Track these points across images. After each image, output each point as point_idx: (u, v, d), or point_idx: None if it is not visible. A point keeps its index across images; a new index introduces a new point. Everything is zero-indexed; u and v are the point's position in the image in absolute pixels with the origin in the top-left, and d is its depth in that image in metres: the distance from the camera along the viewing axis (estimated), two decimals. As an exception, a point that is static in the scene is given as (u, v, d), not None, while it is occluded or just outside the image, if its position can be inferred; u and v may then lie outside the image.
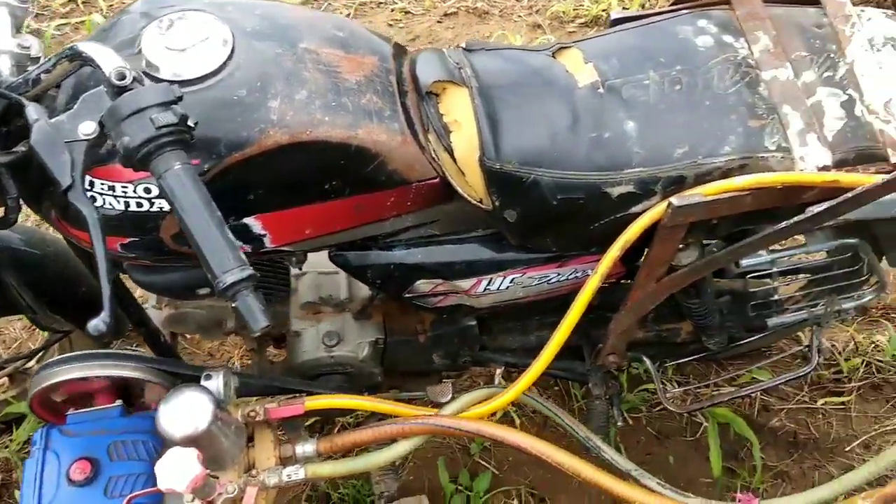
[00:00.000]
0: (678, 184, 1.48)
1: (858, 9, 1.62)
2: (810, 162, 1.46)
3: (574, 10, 3.54)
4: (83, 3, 3.61)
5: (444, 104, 1.51)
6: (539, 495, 2.32)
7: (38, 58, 1.42)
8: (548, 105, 1.51)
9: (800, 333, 2.50)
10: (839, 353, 2.59)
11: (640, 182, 1.47)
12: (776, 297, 2.00)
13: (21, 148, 1.25)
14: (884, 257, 1.97)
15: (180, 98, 1.14)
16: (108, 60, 1.17)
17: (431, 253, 1.61)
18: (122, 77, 1.13)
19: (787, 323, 2.03)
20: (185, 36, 1.34)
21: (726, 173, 1.47)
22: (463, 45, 1.61)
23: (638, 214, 1.50)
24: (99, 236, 1.14)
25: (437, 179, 1.49)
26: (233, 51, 1.35)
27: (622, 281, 1.79)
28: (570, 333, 1.62)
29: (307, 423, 2.31)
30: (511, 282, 1.67)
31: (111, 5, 3.60)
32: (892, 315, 2.71)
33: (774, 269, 1.87)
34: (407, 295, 1.66)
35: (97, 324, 1.10)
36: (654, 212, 1.48)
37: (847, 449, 2.44)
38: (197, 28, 1.36)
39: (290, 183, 1.40)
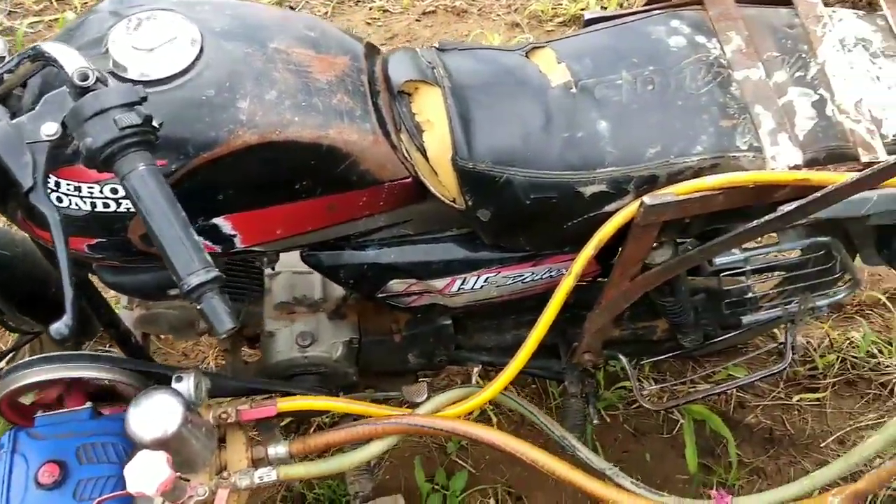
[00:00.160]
0: (651, 183, 1.48)
1: (830, 9, 1.63)
2: (781, 161, 1.47)
3: (552, 8, 3.54)
4: (57, 0, 3.58)
5: (416, 104, 1.51)
6: (516, 493, 2.32)
7: (3, 57, 1.40)
8: (521, 105, 1.51)
9: (775, 330, 2.51)
10: (814, 350, 2.60)
11: (612, 181, 1.47)
12: (750, 295, 2.01)
13: None
14: (857, 255, 1.97)
15: (144, 98, 1.13)
16: (71, 60, 1.16)
17: (405, 253, 1.61)
18: (85, 77, 1.12)
19: (761, 320, 2.04)
20: (153, 35, 1.33)
21: (698, 172, 1.47)
22: (436, 44, 1.61)
23: (611, 213, 1.50)
24: (61, 238, 1.13)
25: (410, 179, 1.48)
26: (201, 50, 1.34)
27: (599, 279, 1.79)
28: (546, 332, 1.62)
29: (283, 424, 2.30)
30: (485, 281, 1.67)
31: (85, 2, 3.57)
32: (867, 311, 2.73)
33: (748, 268, 1.88)
34: (380, 295, 1.65)
35: (59, 327, 1.09)
36: (627, 211, 1.48)
37: (822, 445, 2.45)
38: (165, 28, 1.35)
39: (261, 183, 1.39)
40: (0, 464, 1.47)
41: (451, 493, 2.28)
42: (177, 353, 2.54)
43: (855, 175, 1.39)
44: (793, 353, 2.04)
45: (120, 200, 1.31)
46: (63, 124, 1.13)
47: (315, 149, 1.37)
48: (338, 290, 1.86)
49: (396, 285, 1.63)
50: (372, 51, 1.56)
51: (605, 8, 3.45)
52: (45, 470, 1.46)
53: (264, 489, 2.22)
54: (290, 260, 1.68)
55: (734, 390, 2.51)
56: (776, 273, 2.17)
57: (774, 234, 2.07)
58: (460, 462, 2.36)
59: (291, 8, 3.53)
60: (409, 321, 1.86)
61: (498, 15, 3.55)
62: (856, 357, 2.59)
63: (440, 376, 2.45)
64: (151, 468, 1.27)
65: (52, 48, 1.21)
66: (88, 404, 1.55)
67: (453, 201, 1.50)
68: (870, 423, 2.48)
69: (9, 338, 2.54)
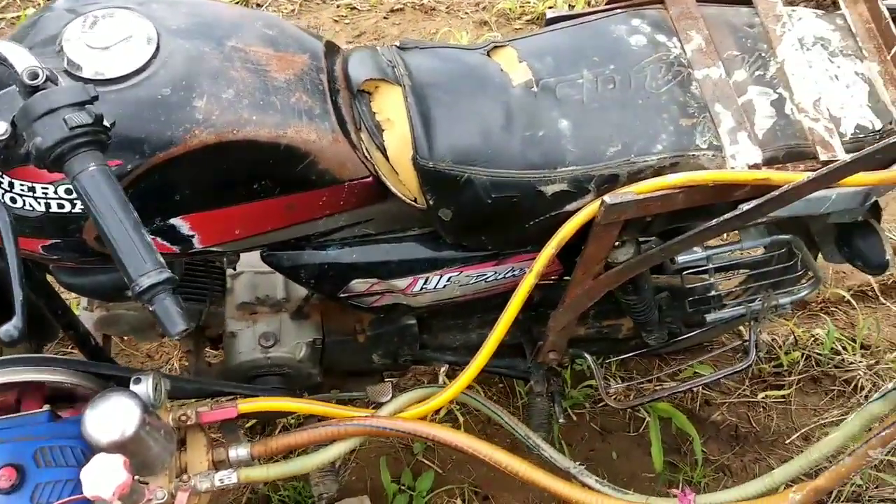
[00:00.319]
0: (611, 182, 1.48)
1: (789, 9, 1.64)
2: (741, 160, 1.48)
3: (520, 6, 3.54)
4: (20, -3, 3.55)
5: (376, 102, 1.50)
6: (482, 493, 2.32)
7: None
8: (481, 103, 1.51)
9: (741, 328, 2.52)
10: (779, 347, 2.62)
11: (573, 180, 1.48)
12: (714, 293, 2.02)
13: None
14: (819, 253, 1.98)
15: (95, 98, 1.11)
16: (21, 59, 1.14)
17: (366, 252, 1.60)
18: (35, 76, 1.10)
19: (725, 318, 2.06)
20: (108, 34, 1.32)
21: (658, 171, 1.48)
22: (397, 43, 1.60)
23: (573, 212, 1.50)
24: (10, 238, 1.11)
25: (371, 178, 1.48)
26: (157, 49, 1.32)
27: (564, 278, 1.79)
28: (509, 331, 1.62)
29: (249, 425, 2.29)
30: (448, 280, 1.67)
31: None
32: (831, 309, 2.75)
33: (710, 266, 1.88)
34: (342, 295, 1.65)
35: (8, 329, 1.07)
36: (588, 210, 1.49)
37: (787, 441, 2.47)
38: (121, 26, 1.33)
39: (218, 183, 1.38)
40: (-44, 468, 1.45)
41: (417, 494, 2.27)
42: (141, 355, 2.52)
43: (812, 174, 1.40)
44: (757, 351, 2.06)
45: (74, 201, 1.30)
46: (13, 124, 1.12)
47: (273, 148, 1.36)
48: (301, 291, 1.85)
49: (358, 285, 1.63)
50: (332, 49, 1.55)
51: (573, 7, 3.45)
52: (2, 474, 1.43)
53: (228, 492, 2.21)
54: (253, 260, 1.67)
55: (700, 388, 2.52)
56: (740, 271, 2.19)
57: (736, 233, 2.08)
58: (427, 462, 2.35)
59: (258, 6, 3.51)
60: (372, 321, 1.86)
61: (466, 13, 3.55)
62: (820, 354, 2.61)
63: (407, 376, 2.45)
64: (108, 471, 1.26)
65: (2, 47, 1.19)
66: (46, 407, 1.53)
67: (414, 200, 1.50)
68: (834, 419, 2.50)
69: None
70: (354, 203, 1.51)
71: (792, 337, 2.64)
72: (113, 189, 1.09)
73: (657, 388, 2.45)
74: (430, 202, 1.49)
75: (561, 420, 2.06)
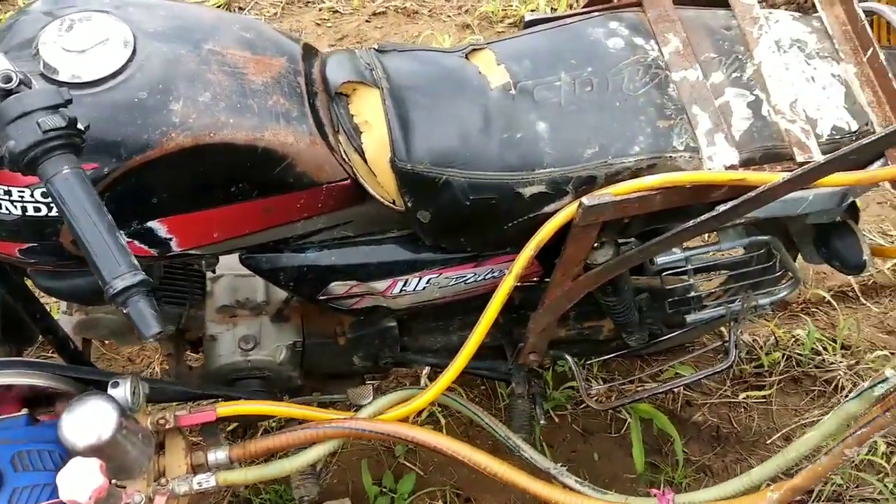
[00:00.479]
0: (589, 184, 1.49)
1: (766, 11, 1.65)
2: (718, 161, 1.49)
3: (503, 10, 3.54)
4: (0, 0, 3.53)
5: (354, 105, 1.50)
6: (464, 495, 2.32)
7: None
8: (460, 106, 1.51)
9: (722, 329, 2.53)
10: (760, 348, 2.63)
11: (551, 182, 1.48)
12: (693, 294, 2.03)
13: None
14: (799, 254, 2.00)
15: (69, 101, 1.11)
16: (-7, 63, 1.14)
17: (345, 254, 1.60)
18: (8, 80, 1.10)
19: (705, 319, 2.06)
20: (85, 37, 1.32)
21: (636, 173, 1.49)
22: (375, 46, 1.61)
23: (551, 214, 1.51)
24: None
25: (349, 181, 1.48)
26: (134, 52, 1.33)
27: (544, 280, 1.80)
28: (490, 333, 1.63)
29: (230, 429, 2.29)
30: (427, 282, 1.67)
31: (30, 3, 3.51)
32: (812, 309, 2.76)
33: (689, 267, 1.89)
34: (322, 297, 1.65)
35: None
36: (566, 211, 1.49)
37: (768, 442, 2.48)
38: (97, 29, 1.33)
39: (195, 186, 1.38)
40: (-68, 472, 1.44)
41: (398, 497, 2.27)
42: (122, 359, 2.51)
43: (787, 174, 1.41)
44: (737, 351, 2.07)
45: (50, 205, 1.30)
46: None
47: (250, 151, 1.36)
48: (281, 293, 1.85)
49: (337, 287, 1.63)
50: (309, 52, 1.55)
51: (555, 10, 3.46)
52: (-22, 478, 1.43)
53: (209, 495, 2.20)
54: (233, 263, 1.67)
55: (681, 389, 2.52)
56: (720, 272, 2.19)
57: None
58: (408, 465, 2.35)
59: (240, 9, 3.51)
60: (353, 323, 1.86)
61: (448, 16, 3.55)
62: (801, 354, 2.62)
63: (388, 379, 2.45)
64: (84, 475, 1.26)
65: None
66: (24, 411, 1.53)
67: (393, 203, 1.50)
68: (815, 419, 2.50)
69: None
70: (333, 205, 1.51)
71: (773, 337, 2.65)
72: (87, 192, 1.09)
73: (638, 389, 2.46)
74: (409, 204, 1.49)
75: (542, 422, 2.06)
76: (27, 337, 1.82)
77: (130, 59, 1.31)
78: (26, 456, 1.46)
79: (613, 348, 2.15)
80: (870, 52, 1.57)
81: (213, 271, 1.77)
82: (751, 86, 1.56)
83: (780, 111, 1.53)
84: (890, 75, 1.53)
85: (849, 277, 2.78)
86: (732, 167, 1.48)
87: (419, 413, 2.35)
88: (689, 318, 2.04)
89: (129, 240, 1.38)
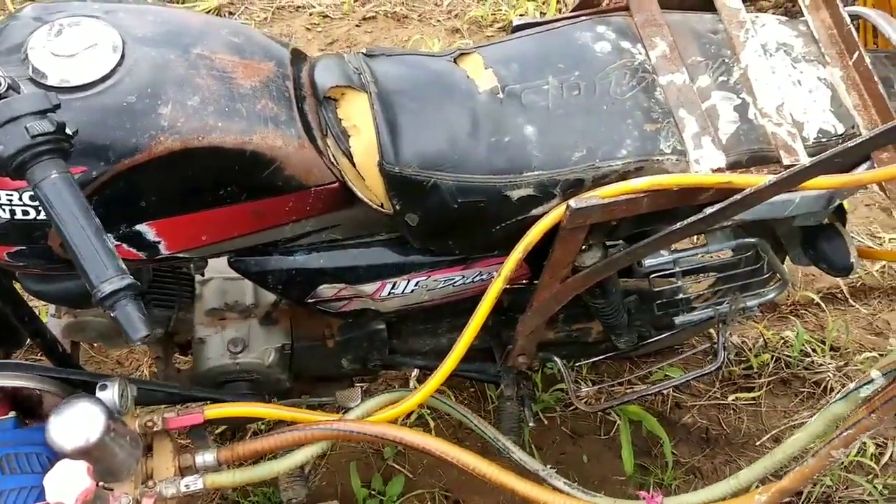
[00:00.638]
0: (577, 186, 1.50)
1: (753, 15, 1.66)
2: (705, 164, 1.50)
3: (492, 14, 3.55)
4: (-9, 5, 3.52)
5: (342, 109, 1.51)
6: (453, 497, 2.32)
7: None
8: (448, 110, 1.52)
9: (711, 331, 2.54)
10: (749, 350, 2.64)
11: (539, 185, 1.49)
12: (682, 296, 2.04)
13: None
14: (787, 256, 2.00)
15: (58, 106, 1.12)
16: (-19, 68, 1.15)
17: (333, 257, 1.60)
18: (-4, 85, 1.11)
19: (693, 321, 2.07)
20: (74, 41, 1.32)
21: (623, 176, 1.49)
22: (363, 50, 1.61)
23: (539, 217, 1.51)
24: None
25: (337, 184, 1.48)
26: (123, 57, 1.33)
27: (533, 282, 1.80)
28: (479, 335, 1.63)
29: (219, 431, 2.29)
30: (416, 285, 1.67)
31: (21, 5, 3.51)
32: (801, 311, 2.78)
33: (677, 269, 1.90)
34: (310, 300, 1.65)
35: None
36: (553, 214, 1.50)
37: (758, 443, 2.49)
38: (86, 34, 1.33)
39: (184, 189, 1.38)
40: (-79, 475, 1.44)
41: (387, 499, 2.28)
42: (111, 361, 2.51)
43: (773, 177, 1.41)
44: (726, 353, 2.08)
45: (39, 208, 1.30)
46: None
47: (239, 154, 1.36)
48: (269, 296, 1.85)
49: (326, 290, 1.63)
50: (298, 57, 1.56)
51: (544, 14, 3.47)
52: (-33, 481, 1.43)
53: (197, 497, 2.20)
54: (221, 266, 1.67)
55: (670, 390, 2.54)
56: (709, 274, 2.20)
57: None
58: (397, 467, 2.35)
59: (230, 14, 3.51)
60: (341, 326, 1.86)
61: (438, 21, 3.56)
62: (790, 356, 2.64)
63: (378, 381, 2.45)
64: (71, 478, 1.26)
65: None
66: (12, 414, 1.53)
67: (381, 206, 1.51)
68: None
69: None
70: (321, 209, 1.51)
71: (761, 339, 2.67)
72: (74, 196, 1.09)
73: (628, 390, 2.46)
74: (397, 207, 1.50)
75: (531, 424, 2.06)
76: (15, 340, 1.82)
77: (119, 64, 1.32)
78: (14, 458, 1.46)
79: (602, 350, 2.16)
80: (855, 56, 1.58)
81: (202, 274, 1.77)
82: (737, 89, 1.57)
83: (766, 114, 1.54)
84: (876, 79, 1.55)
85: (837, 279, 2.79)
86: (719, 170, 1.49)
87: (408, 415, 2.36)
88: (678, 319, 2.05)
89: (118, 243, 1.39)
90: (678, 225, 1.49)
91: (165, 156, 1.31)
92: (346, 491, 2.29)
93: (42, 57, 1.30)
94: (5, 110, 1.08)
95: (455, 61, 1.59)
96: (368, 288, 1.65)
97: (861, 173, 1.49)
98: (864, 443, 2.41)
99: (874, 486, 2.34)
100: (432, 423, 2.39)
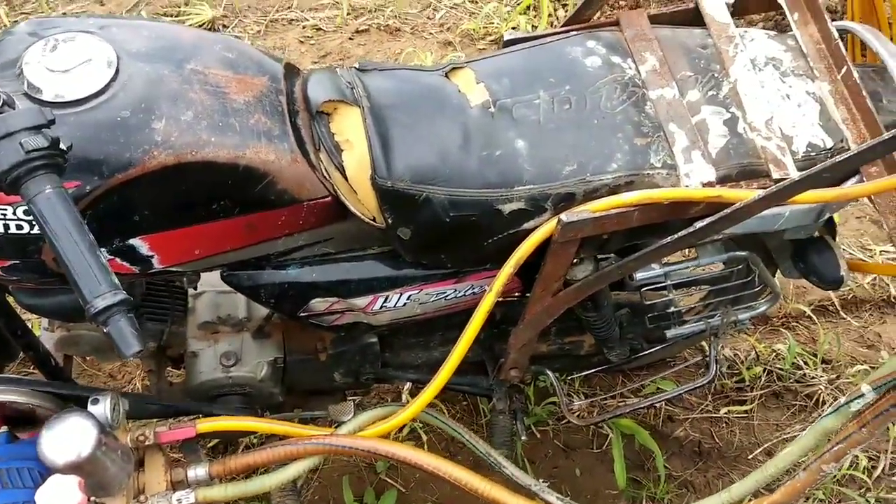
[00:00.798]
0: (568, 200, 1.50)
1: (741, 30, 1.68)
2: (695, 178, 1.50)
3: (484, 27, 3.57)
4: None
5: (335, 123, 1.52)
6: (446, 511, 2.33)
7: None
8: (439, 124, 1.53)
9: (704, 343, 2.55)
10: (741, 363, 2.64)
11: (530, 199, 1.50)
12: (673, 309, 2.04)
13: None
14: (778, 269, 2.02)
15: (52, 121, 1.12)
16: (-24, 84, 1.15)
17: (326, 271, 1.61)
18: (-9, 101, 1.11)
19: (685, 334, 2.08)
20: (69, 57, 1.33)
21: (614, 190, 1.50)
22: (356, 64, 1.62)
23: (530, 230, 1.52)
24: None
25: (330, 198, 1.49)
26: (117, 72, 1.34)
27: (525, 296, 1.81)
28: (471, 349, 1.63)
29: (210, 445, 2.28)
30: (408, 299, 1.68)
31: (16, 21, 3.52)
32: (792, 324, 2.78)
33: (668, 282, 1.91)
34: (302, 314, 1.65)
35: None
36: (545, 228, 1.51)
37: (750, 457, 2.49)
38: (81, 49, 1.34)
39: (177, 203, 1.39)
40: (-89, 491, 1.44)
41: (380, 513, 2.28)
42: (103, 375, 2.50)
43: (763, 191, 1.42)
44: (718, 366, 2.08)
45: (33, 223, 1.30)
46: None
47: (232, 169, 1.37)
48: (262, 310, 1.85)
49: (318, 304, 1.63)
50: (291, 71, 1.57)
51: (535, 27, 3.48)
52: (-42, 496, 1.43)
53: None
54: (214, 279, 1.67)
55: (663, 404, 2.54)
56: (701, 287, 2.21)
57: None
58: (390, 481, 2.35)
59: (224, 27, 3.52)
60: (334, 340, 1.86)
61: (430, 33, 3.57)
62: (782, 369, 2.64)
63: (370, 395, 2.45)
64: (63, 492, 1.26)
65: None
66: (4, 428, 1.53)
67: (373, 220, 1.51)
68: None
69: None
70: (314, 222, 1.52)
71: (753, 352, 2.67)
72: (68, 211, 1.10)
73: (620, 404, 2.46)
74: (389, 221, 1.51)
75: (524, 437, 2.06)
76: (8, 353, 1.82)
77: (113, 79, 1.33)
78: (5, 473, 1.46)
79: (594, 363, 2.17)
80: (844, 70, 1.59)
81: (195, 288, 1.77)
82: (727, 103, 1.58)
83: (755, 128, 1.55)
84: (864, 93, 1.56)
85: (829, 292, 2.80)
86: (709, 184, 1.50)
87: (400, 429, 2.36)
88: (670, 333, 2.06)
89: (111, 257, 1.39)
90: (669, 239, 1.50)
91: (159, 170, 1.31)
92: (338, 505, 2.29)
93: (37, 72, 1.31)
94: (0, 126, 1.09)
95: (447, 76, 1.60)
96: (361, 301, 1.65)
97: (850, 187, 1.50)
98: (857, 456, 2.41)
99: (867, 500, 2.35)
100: (425, 437, 2.39)
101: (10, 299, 1.61)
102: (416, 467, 1.64)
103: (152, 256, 1.42)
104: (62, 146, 1.12)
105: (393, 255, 1.62)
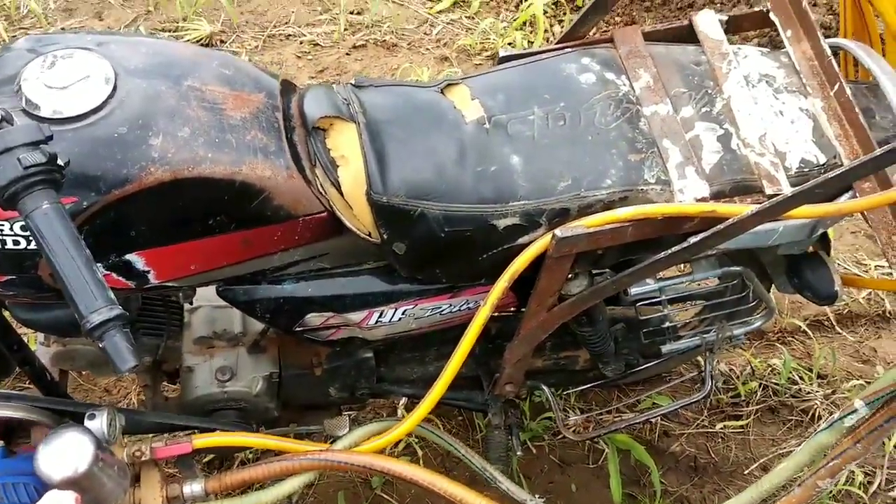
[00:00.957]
0: (562, 216, 1.51)
1: (735, 47, 1.69)
2: (689, 194, 1.51)
3: (480, 43, 3.58)
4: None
5: (331, 139, 1.52)
6: (442, 527, 2.32)
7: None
8: (435, 139, 1.54)
9: (699, 358, 2.55)
10: (737, 378, 2.65)
11: (525, 214, 1.50)
12: (669, 324, 2.05)
13: None
14: (772, 284, 2.02)
15: (50, 137, 1.13)
16: (-26, 100, 1.16)
17: (321, 286, 1.61)
18: (-11, 116, 1.12)
19: (680, 349, 2.08)
20: (67, 73, 1.34)
21: (608, 205, 1.51)
22: (352, 81, 1.63)
23: (525, 245, 1.53)
24: None
25: (325, 213, 1.49)
26: (115, 88, 1.35)
27: (521, 311, 1.81)
28: (466, 364, 1.64)
29: (207, 460, 2.28)
30: (403, 313, 1.68)
31: (14, 36, 3.53)
32: (788, 339, 2.79)
33: (663, 297, 1.91)
34: (298, 329, 1.65)
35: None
36: (539, 243, 1.51)
37: (746, 472, 2.49)
38: (79, 66, 1.35)
39: (174, 219, 1.39)
40: None
41: (376, 528, 2.28)
42: (99, 390, 2.50)
43: (756, 207, 1.43)
44: (713, 381, 2.08)
45: (30, 238, 1.31)
46: None
47: (228, 185, 1.38)
48: (258, 325, 1.85)
49: (314, 319, 1.64)
50: (288, 87, 1.58)
51: (532, 43, 3.50)
52: (-47, 512, 1.43)
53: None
54: (210, 294, 1.68)
55: (659, 419, 2.54)
56: (696, 302, 2.22)
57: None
58: (385, 497, 2.35)
59: (222, 42, 3.54)
60: (329, 354, 1.87)
61: (427, 49, 3.59)
62: (777, 384, 2.64)
63: (366, 410, 2.45)
64: (59, 508, 1.26)
65: None
66: (0, 443, 1.52)
67: (369, 235, 1.52)
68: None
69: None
70: (310, 238, 1.52)
71: (749, 367, 2.67)
72: (65, 227, 1.11)
73: (616, 419, 2.47)
74: (385, 236, 1.51)
75: (519, 452, 2.06)
76: (4, 368, 1.82)
77: (111, 96, 1.34)
78: (2, 489, 1.46)
79: (590, 378, 2.17)
80: (836, 87, 1.60)
81: (191, 303, 1.77)
82: (720, 120, 1.59)
83: (749, 144, 1.56)
84: (856, 109, 1.57)
85: (824, 307, 2.80)
86: (703, 199, 1.51)
87: (396, 444, 2.36)
88: (665, 348, 2.06)
89: (107, 272, 1.39)
90: (663, 254, 1.50)
91: (155, 186, 1.32)
92: (334, 520, 2.29)
93: (35, 88, 1.32)
94: None
95: (442, 92, 1.61)
96: (356, 316, 1.65)
97: (843, 203, 1.51)
98: (853, 471, 2.41)
99: (862, 515, 2.35)
100: (420, 452, 2.39)
101: (7, 314, 1.61)
102: (411, 483, 1.64)
103: (148, 272, 1.43)
104: (60, 162, 1.13)
105: (388, 270, 1.63)
